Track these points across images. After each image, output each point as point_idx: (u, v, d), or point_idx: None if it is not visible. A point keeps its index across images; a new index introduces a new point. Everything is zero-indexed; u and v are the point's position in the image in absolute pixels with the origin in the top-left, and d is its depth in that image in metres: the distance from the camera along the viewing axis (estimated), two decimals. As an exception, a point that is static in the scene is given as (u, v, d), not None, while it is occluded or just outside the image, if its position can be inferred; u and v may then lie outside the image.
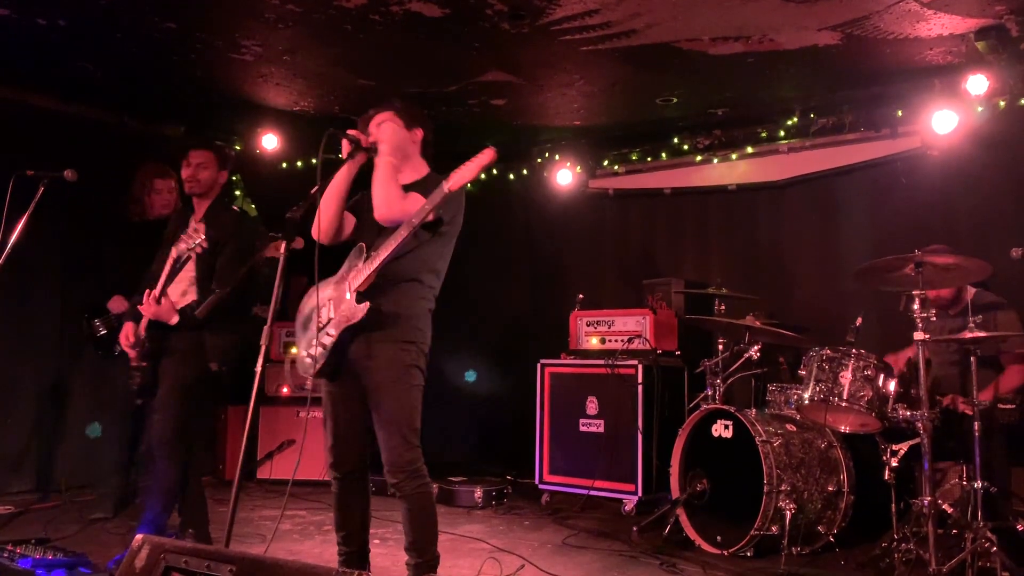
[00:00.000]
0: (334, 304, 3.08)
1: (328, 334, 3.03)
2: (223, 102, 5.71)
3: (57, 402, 5.48)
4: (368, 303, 2.96)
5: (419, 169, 3.27)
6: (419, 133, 3.27)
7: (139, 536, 2.08)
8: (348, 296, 3.01)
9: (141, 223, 4.83)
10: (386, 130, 3.15)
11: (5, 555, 3.39)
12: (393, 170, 3.09)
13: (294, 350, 5.76)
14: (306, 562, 2.07)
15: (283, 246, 2.88)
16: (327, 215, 3.12)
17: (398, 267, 3.05)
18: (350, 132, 3.12)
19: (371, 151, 3.12)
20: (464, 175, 2.89)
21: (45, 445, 5.42)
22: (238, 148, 6.38)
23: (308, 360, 3.11)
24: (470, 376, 6.89)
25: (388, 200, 3.05)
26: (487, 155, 2.91)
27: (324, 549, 4.20)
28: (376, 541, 4.35)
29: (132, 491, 5.06)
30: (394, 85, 5.36)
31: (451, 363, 6.80)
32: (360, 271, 3.02)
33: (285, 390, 5.93)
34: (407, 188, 3.15)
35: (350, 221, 3.20)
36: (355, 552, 3.24)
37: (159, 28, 4.54)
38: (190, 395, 3.73)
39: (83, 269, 5.43)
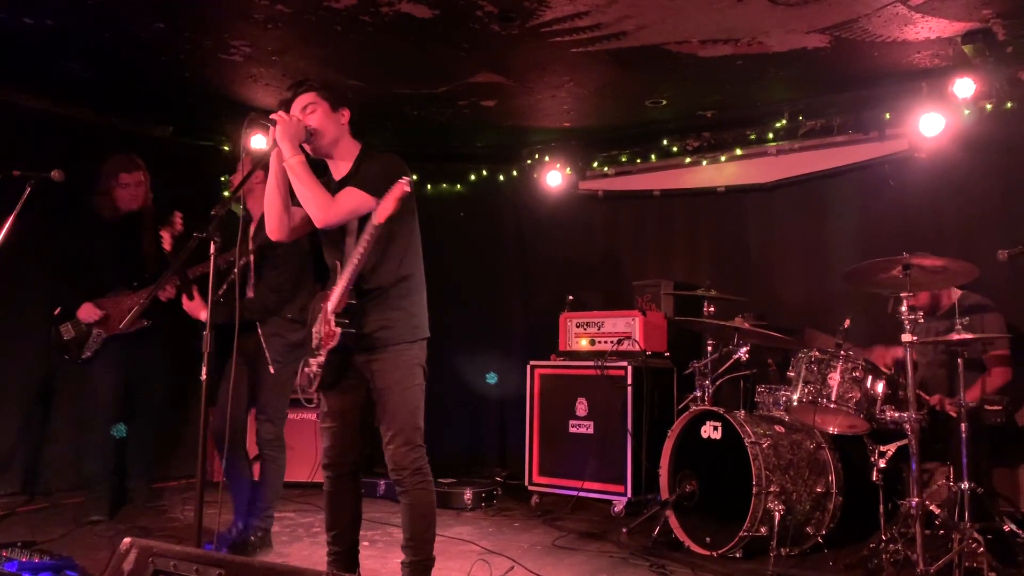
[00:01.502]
0: (320, 323, 3.11)
1: (320, 354, 3.08)
2: (212, 102, 5.69)
3: (44, 404, 5.45)
4: (340, 329, 2.98)
5: (351, 152, 3.17)
6: (346, 113, 3.16)
7: (127, 539, 2.07)
8: (329, 317, 3.03)
9: (112, 219, 4.76)
10: (288, 126, 2.97)
11: (-9, 558, 3.37)
12: (306, 172, 2.98)
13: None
14: (296, 566, 2.07)
15: (212, 246, 2.86)
16: (272, 213, 3.07)
17: (382, 271, 3.04)
18: (272, 117, 3.01)
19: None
20: (387, 208, 2.80)
21: (32, 447, 5.38)
22: (226, 149, 6.36)
23: (309, 376, 3.17)
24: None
25: (318, 208, 2.98)
26: (400, 188, 2.81)
27: (313, 551, 4.18)
28: (366, 543, 4.33)
29: (124, 493, 5.04)
30: (384, 86, 5.36)
31: (439, 364, 6.77)
32: (333, 292, 3.03)
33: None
34: (342, 182, 3.10)
35: (299, 212, 3.11)
36: (344, 551, 3.24)
37: (148, 28, 4.52)
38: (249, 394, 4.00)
39: (70, 270, 5.40)
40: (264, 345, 4.02)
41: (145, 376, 4.86)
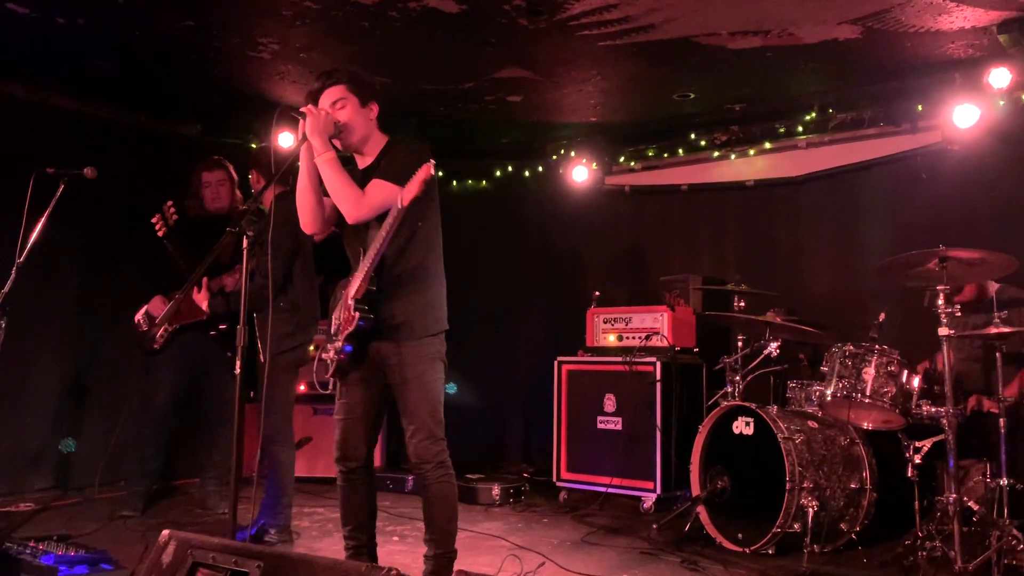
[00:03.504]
0: (340, 310, 3.11)
1: (338, 340, 3.08)
2: (239, 100, 5.71)
3: (76, 400, 5.50)
4: (358, 314, 2.96)
5: (378, 144, 3.16)
6: (375, 108, 3.15)
7: (165, 532, 2.08)
8: (349, 302, 3.02)
9: (197, 218, 4.81)
10: (318, 121, 2.96)
11: (28, 551, 3.40)
12: (337, 168, 2.98)
13: (312, 347, 5.77)
14: (333, 558, 2.07)
15: (244, 240, 2.86)
16: (306, 208, 3.07)
17: (403, 261, 3.04)
18: (302, 110, 3.00)
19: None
20: (412, 191, 2.78)
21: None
22: (254, 147, 6.38)
23: (326, 362, 3.17)
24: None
25: (349, 204, 2.98)
26: (426, 170, 2.78)
27: (343, 545, 4.19)
28: (395, 538, 4.35)
29: (161, 490, 5.09)
30: (410, 82, 5.36)
31: (467, 362, 6.78)
32: (355, 279, 3.02)
33: (302, 387, 5.92)
34: (367, 171, 3.09)
35: (330, 204, 3.10)
36: (362, 545, 3.24)
37: (177, 26, 4.54)
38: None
39: (102, 266, 5.47)
40: (257, 335, 3.98)
41: (216, 369, 4.78)
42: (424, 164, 2.78)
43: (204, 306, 4.28)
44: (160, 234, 4.58)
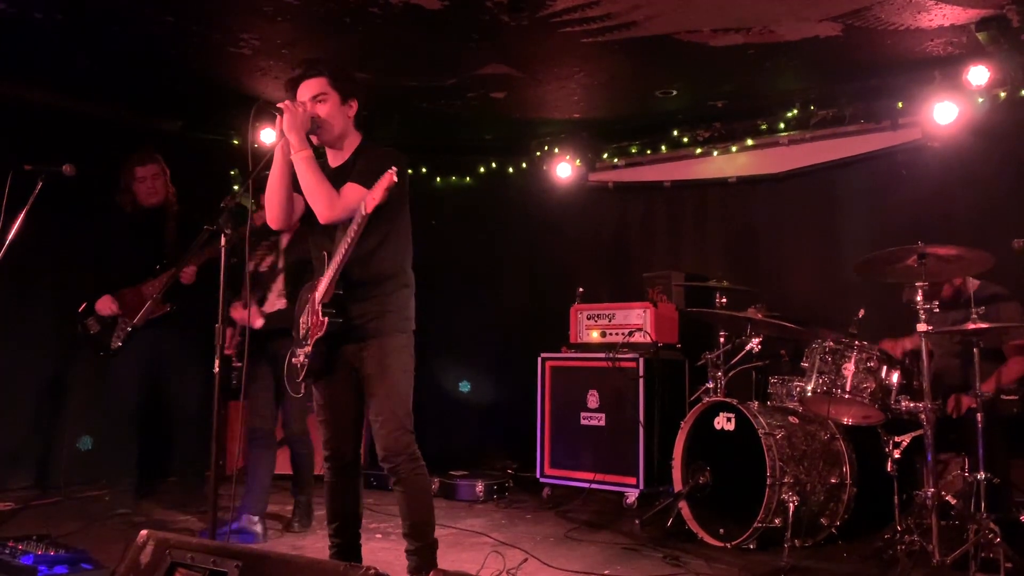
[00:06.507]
0: (308, 313, 3.11)
1: (307, 344, 3.08)
2: (221, 96, 5.68)
3: (56, 398, 5.46)
4: (327, 318, 2.98)
5: (352, 143, 3.16)
6: (354, 105, 3.13)
7: (143, 532, 2.07)
8: (316, 307, 3.02)
9: (133, 213, 4.76)
10: (295, 118, 2.93)
11: (7, 551, 3.37)
12: (313, 167, 2.97)
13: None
14: (312, 557, 2.07)
15: (223, 238, 2.85)
16: (275, 202, 3.05)
17: (373, 266, 3.04)
18: (279, 106, 2.97)
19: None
20: (375, 198, 2.78)
21: (44, 441, 5.40)
22: (235, 143, 6.35)
23: (296, 366, 3.17)
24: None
25: (323, 204, 2.97)
26: (388, 177, 2.79)
27: (327, 543, 4.18)
28: (379, 536, 4.35)
29: (148, 487, 5.06)
30: (393, 78, 5.35)
31: (450, 358, 6.78)
32: (321, 282, 3.02)
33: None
34: (340, 170, 3.08)
35: (299, 201, 3.10)
36: (346, 543, 3.27)
37: (157, 22, 4.51)
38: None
39: (81, 264, 5.41)
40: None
41: (176, 365, 4.78)
42: (387, 171, 2.78)
43: (257, 324, 4.21)
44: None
